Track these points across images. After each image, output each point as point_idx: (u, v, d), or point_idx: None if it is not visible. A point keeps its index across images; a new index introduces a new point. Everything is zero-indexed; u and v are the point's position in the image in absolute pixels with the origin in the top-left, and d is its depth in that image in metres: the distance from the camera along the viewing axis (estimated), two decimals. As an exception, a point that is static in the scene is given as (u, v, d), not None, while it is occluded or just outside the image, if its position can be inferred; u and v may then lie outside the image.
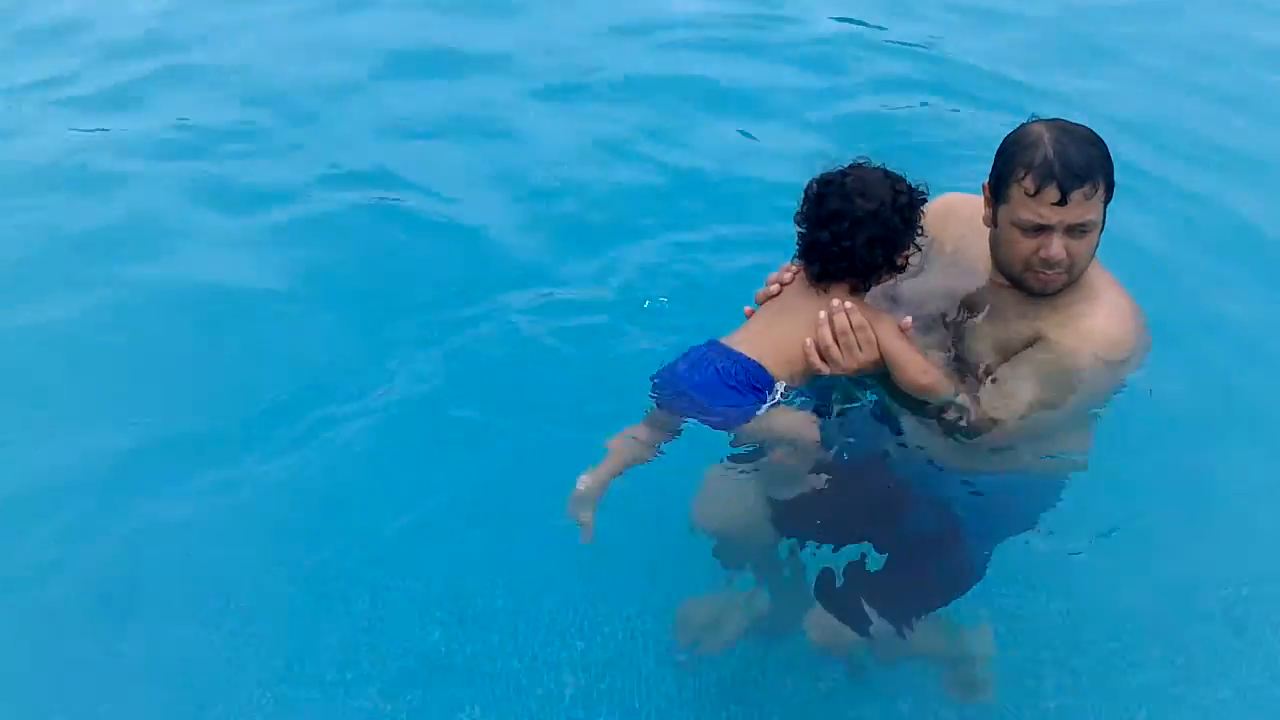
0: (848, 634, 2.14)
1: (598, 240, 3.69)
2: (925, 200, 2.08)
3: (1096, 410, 2.22)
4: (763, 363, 2.09)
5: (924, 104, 4.66)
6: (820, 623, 2.16)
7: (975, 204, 2.19)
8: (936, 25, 5.40)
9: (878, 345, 2.06)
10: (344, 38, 5.29)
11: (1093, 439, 2.26)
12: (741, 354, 2.10)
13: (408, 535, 2.63)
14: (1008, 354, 2.13)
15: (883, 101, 4.69)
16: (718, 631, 2.41)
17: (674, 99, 4.67)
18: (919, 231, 2.07)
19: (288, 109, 4.67)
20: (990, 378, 2.13)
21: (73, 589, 2.54)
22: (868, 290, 2.11)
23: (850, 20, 5.44)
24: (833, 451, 2.23)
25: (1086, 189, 1.96)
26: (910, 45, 5.19)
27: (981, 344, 2.16)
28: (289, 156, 4.32)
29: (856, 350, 2.06)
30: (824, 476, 2.24)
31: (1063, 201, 1.96)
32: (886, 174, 2.04)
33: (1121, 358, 2.09)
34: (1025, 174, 1.98)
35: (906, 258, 2.08)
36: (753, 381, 2.08)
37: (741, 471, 2.24)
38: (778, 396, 2.09)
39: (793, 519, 2.31)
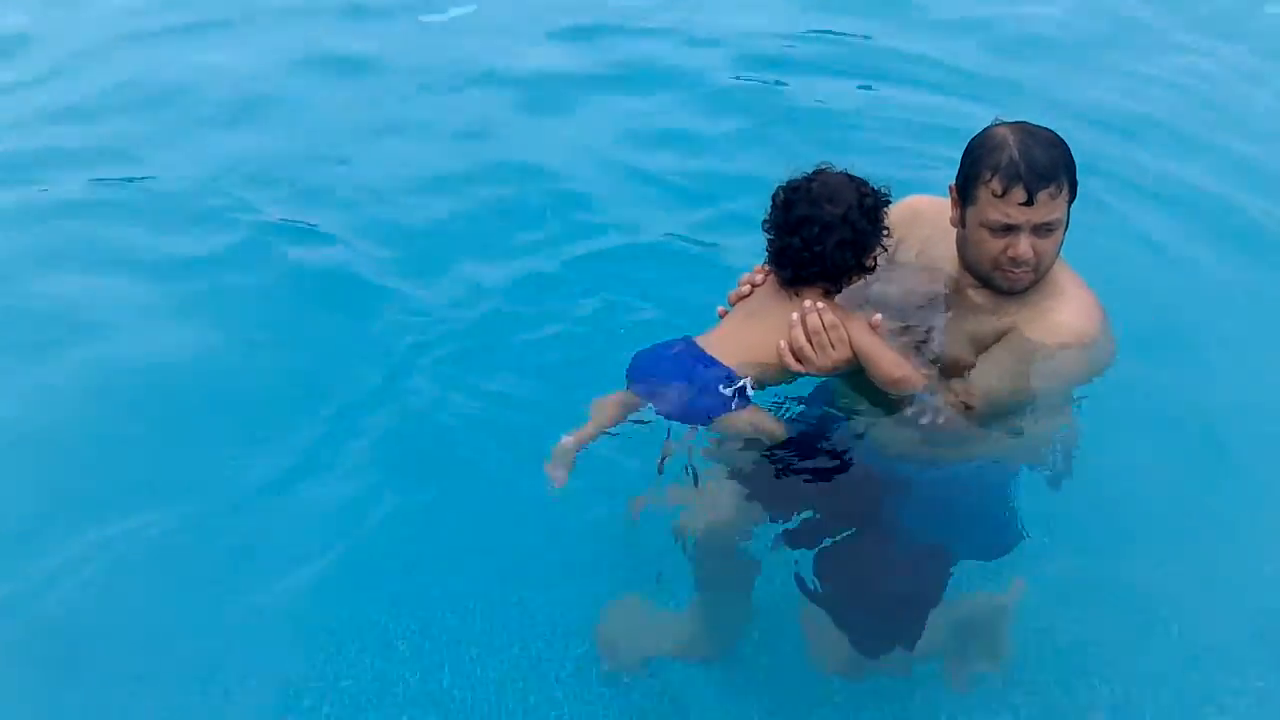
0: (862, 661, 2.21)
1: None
2: (889, 202, 2.13)
3: (1062, 402, 2.26)
4: (733, 367, 2.14)
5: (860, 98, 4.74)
6: (834, 655, 2.24)
7: (940, 205, 2.25)
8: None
9: (850, 343, 2.11)
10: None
11: (1064, 429, 2.32)
12: (712, 358, 2.14)
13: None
14: (981, 348, 2.19)
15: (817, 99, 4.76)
16: (637, 644, 2.41)
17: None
18: (885, 232, 2.12)
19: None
20: (966, 369, 2.18)
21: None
22: (839, 292, 2.16)
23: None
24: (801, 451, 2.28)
25: (1052, 189, 2.02)
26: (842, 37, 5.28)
27: (954, 340, 2.22)
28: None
29: (829, 349, 2.11)
30: (798, 475, 2.28)
31: (1029, 202, 2.02)
32: (850, 178, 2.10)
33: (1089, 349, 2.15)
34: (992, 176, 2.04)
35: (875, 259, 2.13)
36: (720, 385, 2.12)
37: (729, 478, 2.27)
38: (744, 396, 2.14)
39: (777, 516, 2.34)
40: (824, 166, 2.12)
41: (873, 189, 2.10)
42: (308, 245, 3.78)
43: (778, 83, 4.92)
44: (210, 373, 3.20)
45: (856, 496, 2.32)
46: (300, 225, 3.89)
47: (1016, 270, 2.10)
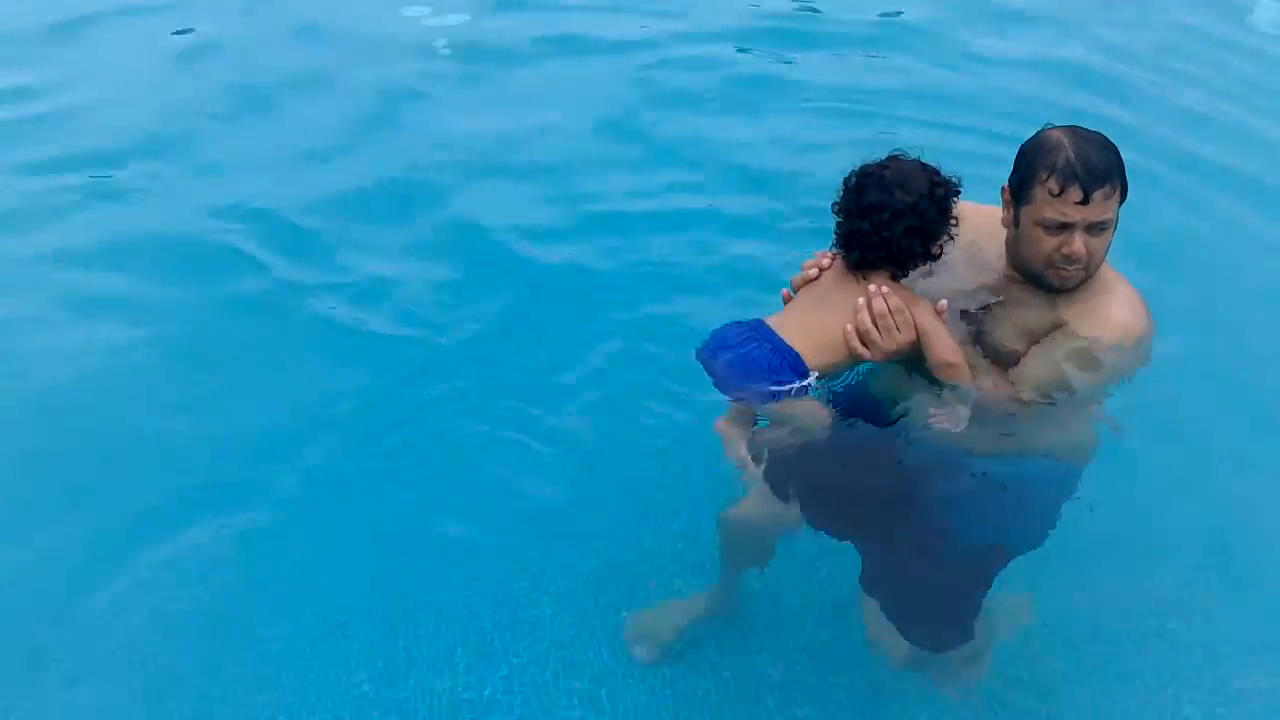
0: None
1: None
2: (959, 193, 2.19)
3: (1105, 395, 2.34)
4: (802, 353, 2.18)
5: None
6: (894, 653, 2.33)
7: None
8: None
9: (914, 326, 2.16)
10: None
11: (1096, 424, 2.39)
12: (783, 341, 2.19)
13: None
14: (1033, 340, 2.25)
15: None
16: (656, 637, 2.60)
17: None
18: (953, 223, 2.18)
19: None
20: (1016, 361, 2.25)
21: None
22: (905, 277, 2.21)
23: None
24: (849, 442, 2.34)
25: (1106, 189, 2.11)
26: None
27: (1005, 333, 2.28)
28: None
29: (895, 332, 2.16)
30: (845, 465, 2.36)
31: (1085, 201, 2.10)
32: (924, 167, 2.16)
33: (1138, 342, 2.22)
34: (1049, 175, 2.11)
35: (941, 246, 2.19)
36: (789, 369, 2.17)
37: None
38: (808, 385, 2.18)
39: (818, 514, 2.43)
40: (898, 154, 2.17)
41: (944, 179, 2.16)
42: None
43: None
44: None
45: (900, 491, 2.38)
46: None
47: (1069, 268, 2.18)
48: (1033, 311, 2.27)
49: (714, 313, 3.23)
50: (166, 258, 3.74)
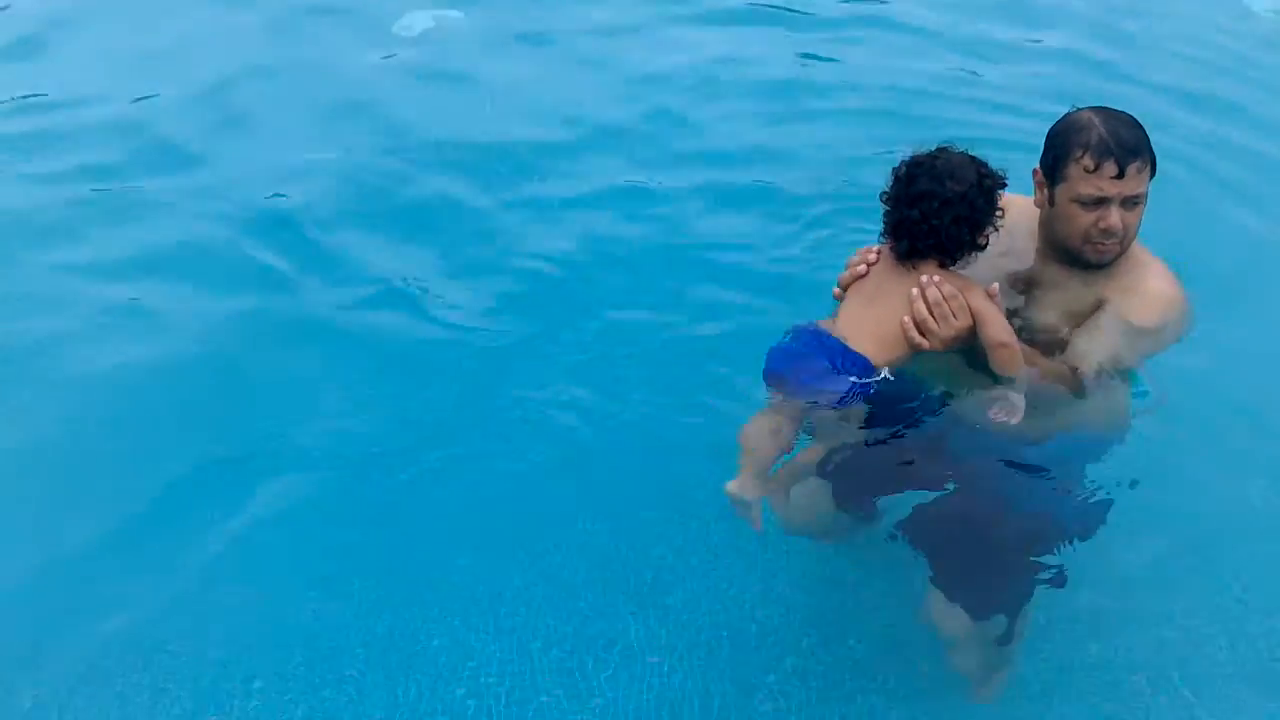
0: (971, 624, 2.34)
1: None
2: (1005, 185, 2.25)
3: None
4: (866, 353, 2.22)
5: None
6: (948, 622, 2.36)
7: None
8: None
9: (969, 311, 2.20)
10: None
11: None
12: (847, 346, 2.23)
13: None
14: (1075, 321, 2.31)
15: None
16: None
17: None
18: (1000, 213, 2.24)
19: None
20: (1060, 343, 2.31)
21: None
22: (954, 265, 2.27)
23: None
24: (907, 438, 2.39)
25: (1139, 163, 2.18)
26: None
27: (1046, 316, 2.34)
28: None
29: (951, 319, 2.19)
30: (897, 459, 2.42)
31: (1120, 175, 2.17)
32: (972, 159, 2.21)
33: (1180, 314, 2.30)
34: (1084, 153, 2.18)
35: (987, 236, 2.25)
36: (859, 372, 2.22)
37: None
38: (879, 382, 2.23)
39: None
40: (947, 145, 2.23)
41: (991, 170, 2.22)
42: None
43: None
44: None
45: (951, 469, 2.44)
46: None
47: (1106, 242, 2.24)
48: (1071, 292, 2.33)
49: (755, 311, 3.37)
50: (184, 267, 3.76)
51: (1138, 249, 2.33)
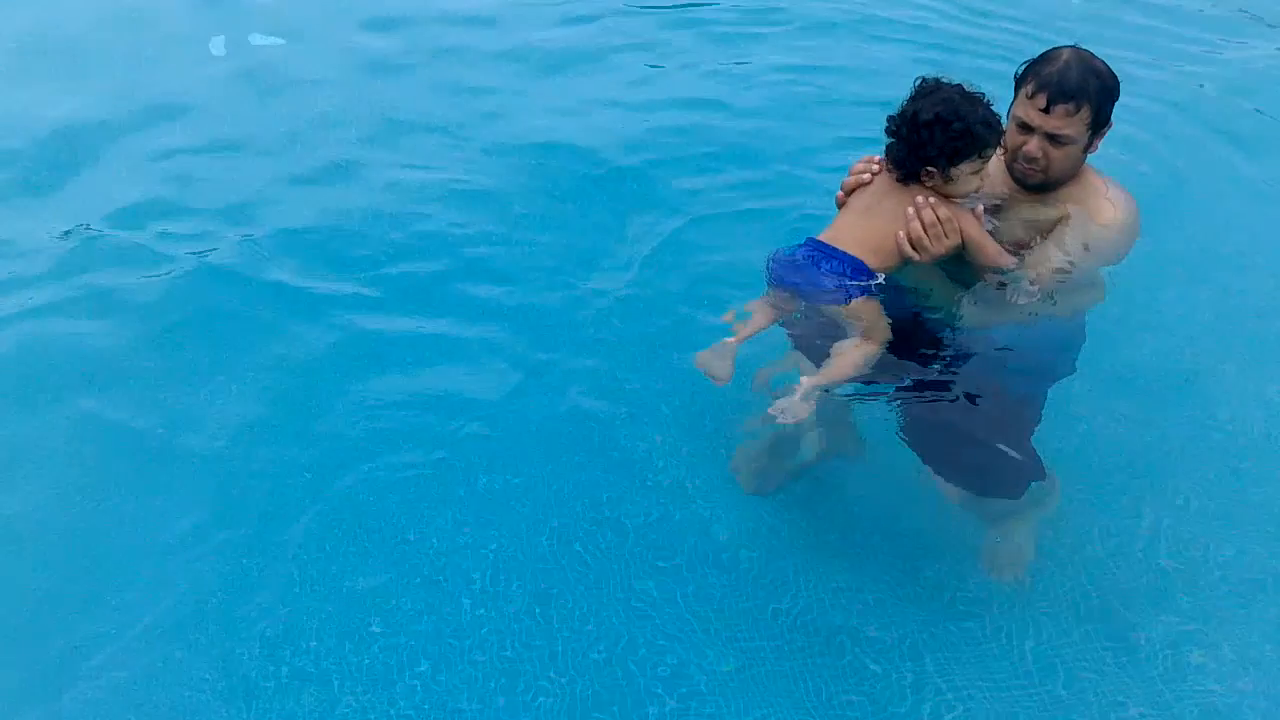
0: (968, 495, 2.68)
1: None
2: (999, 117, 2.50)
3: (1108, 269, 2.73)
4: (863, 258, 2.53)
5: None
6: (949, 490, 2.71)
7: None
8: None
9: (960, 232, 2.50)
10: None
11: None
12: (845, 252, 2.54)
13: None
14: (1038, 232, 2.62)
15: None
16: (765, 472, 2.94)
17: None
18: (994, 142, 2.49)
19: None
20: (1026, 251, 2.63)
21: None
22: (949, 181, 2.51)
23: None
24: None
25: (1070, 107, 2.43)
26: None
27: (1013, 228, 2.65)
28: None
29: (943, 239, 2.48)
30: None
31: (1046, 110, 2.44)
32: (967, 93, 2.47)
33: (1130, 225, 2.62)
34: (1031, 80, 2.48)
35: (981, 164, 2.51)
36: (857, 274, 2.53)
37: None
38: (874, 286, 2.54)
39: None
40: (944, 79, 2.51)
41: (986, 104, 2.48)
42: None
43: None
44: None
45: (947, 369, 2.74)
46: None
47: (1026, 165, 2.52)
48: (1035, 209, 2.64)
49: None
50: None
51: (1097, 177, 2.63)
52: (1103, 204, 2.60)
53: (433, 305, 3.64)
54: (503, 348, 3.44)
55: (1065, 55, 2.49)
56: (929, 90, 2.51)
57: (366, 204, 4.13)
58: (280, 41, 5.38)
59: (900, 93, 2.57)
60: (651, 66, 5.23)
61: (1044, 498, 2.82)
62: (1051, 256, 2.60)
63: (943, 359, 2.75)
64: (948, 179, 2.51)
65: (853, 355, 2.52)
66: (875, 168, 2.62)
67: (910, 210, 2.50)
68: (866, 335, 2.55)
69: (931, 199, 2.50)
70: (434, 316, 3.58)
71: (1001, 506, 2.77)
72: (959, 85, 2.51)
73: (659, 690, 2.52)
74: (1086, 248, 2.60)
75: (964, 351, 2.75)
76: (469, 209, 4.11)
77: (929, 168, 2.51)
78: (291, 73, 5.08)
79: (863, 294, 2.54)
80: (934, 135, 2.45)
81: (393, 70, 5.16)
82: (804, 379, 2.49)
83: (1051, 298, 2.61)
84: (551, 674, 2.56)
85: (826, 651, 2.61)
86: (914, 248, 2.50)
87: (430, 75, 5.12)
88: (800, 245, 2.62)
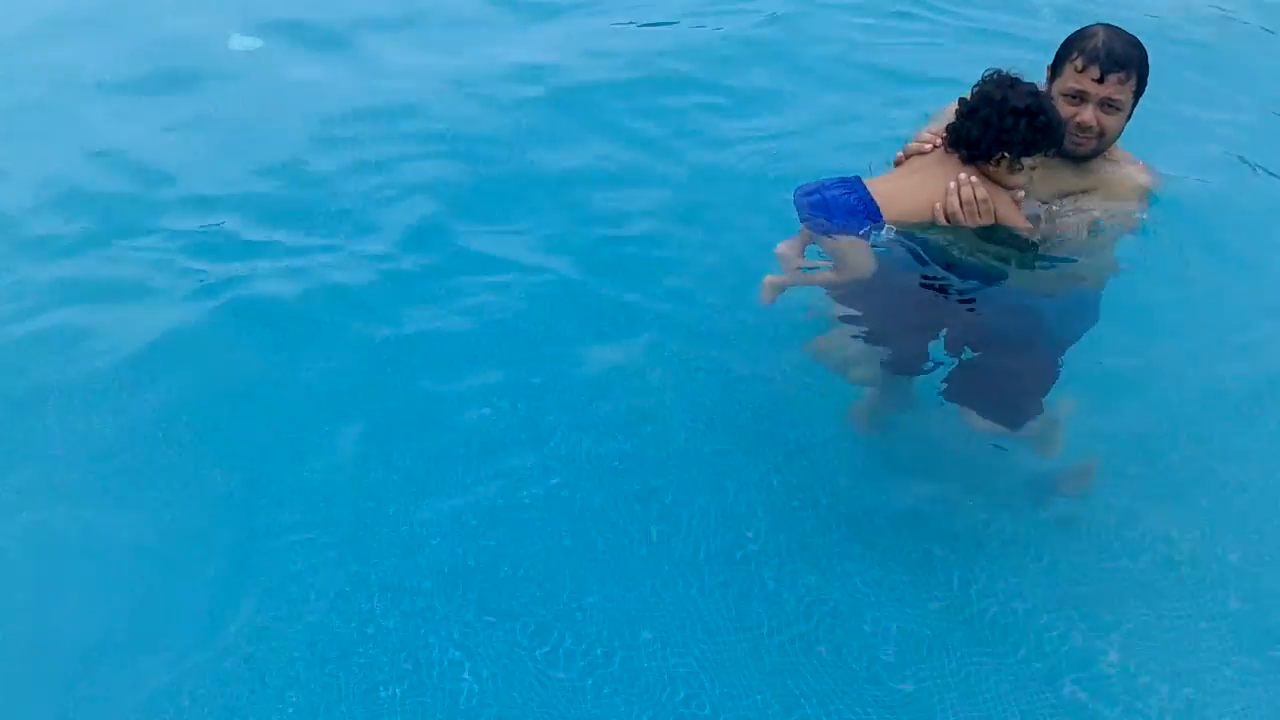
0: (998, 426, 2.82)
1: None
2: (1057, 117, 2.66)
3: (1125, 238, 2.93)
4: (882, 207, 2.74)
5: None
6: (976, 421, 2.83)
7: None
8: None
9: (995, 214, 2.69)
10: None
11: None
12: (870, 195, 2.76)
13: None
14: (1070, 198, 2.84)
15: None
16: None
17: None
18: (1051, 141, 2.66)
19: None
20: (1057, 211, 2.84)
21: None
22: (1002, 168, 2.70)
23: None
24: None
25: (1121, 75, 2.66)
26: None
27: (1046, 191, 2.85)
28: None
29: (977, 217, 2.68)
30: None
31: (1100, 79, 2.67)
32: (1021, 87, 2.66)
33: (1148, 200, 2.84)
34: (1078, 55, 2.68)
35: (1034, 161, 2.69)
36: (863, 215, 2.75)
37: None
38: (880, 234, 2.75)
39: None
40: (1019, 74, 2.69)
41: (1046, 104, 2.66)
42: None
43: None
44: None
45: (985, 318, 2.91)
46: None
47: (1081, 135, 2.72)
48: (1067, 179, 2.85)
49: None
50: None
51: (1123, 153, 2.86)
52: (1132, 173, 2.85)
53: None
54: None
55: (1099, 30, 2.70)
56: (1011, 81, 2.69)
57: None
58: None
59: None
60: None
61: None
62: (1076, 220, 2.81)
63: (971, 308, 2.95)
64: (1014, 167, 2.69)
65: (823, 274, 2.87)
66: (938, 141, 2.81)
67: (951, 185, 2.69)
68: (838, 268, 2.83)
69: (974, 179, 2.69)
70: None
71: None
72: (1034, 83, 2.69)
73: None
74: (1111, 217, 2.83)
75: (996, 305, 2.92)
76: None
77: (1003, 153, 2.67)
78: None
79: (860, 234, 2.76)
80: (1018, 124, 2.63)
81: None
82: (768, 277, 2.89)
83: (1078, 260, 2.84)
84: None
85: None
86: (947, 218, 2.70)
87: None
88: (847, 178, 2.85)
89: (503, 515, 2.85)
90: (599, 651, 2.54)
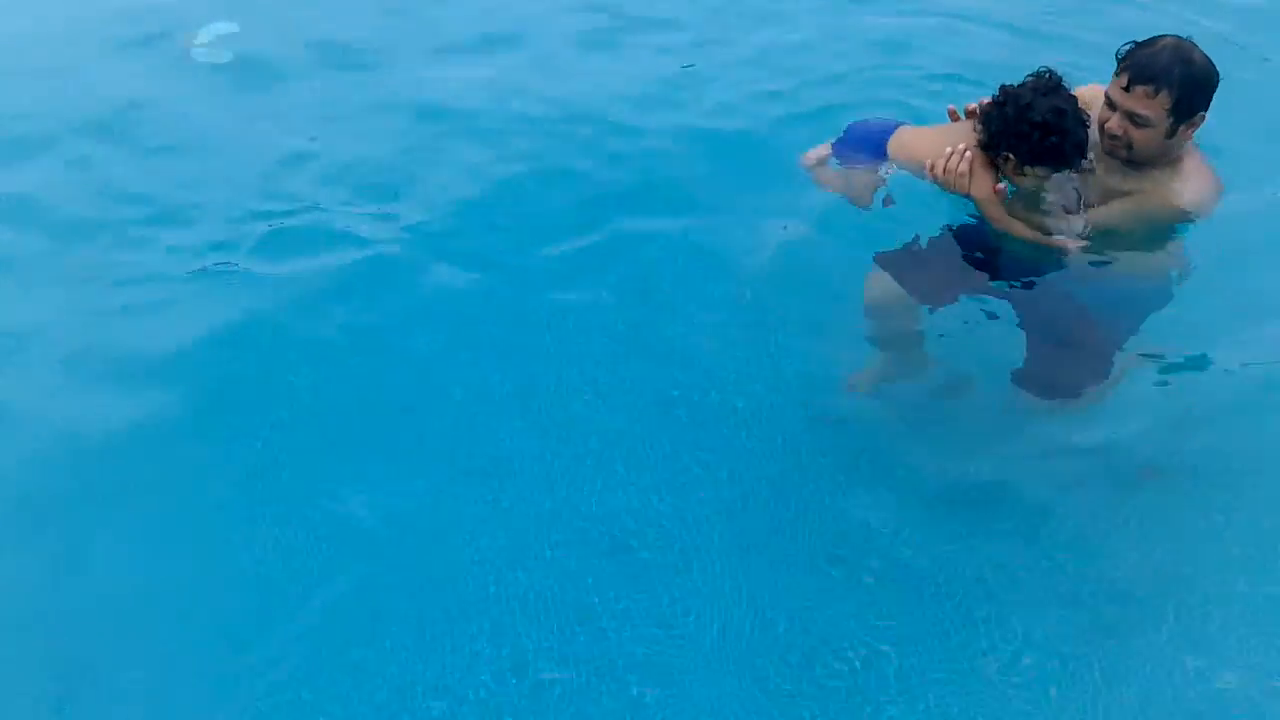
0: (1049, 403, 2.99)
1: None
2: (1087, 129, 2.77)
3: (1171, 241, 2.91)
4: (890, 148, 3.04)
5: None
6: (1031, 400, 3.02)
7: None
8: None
9: (966, 189, 2.85)
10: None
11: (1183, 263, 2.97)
12: (886, 137, 3.05)
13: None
14: (1109, 200, 2.87)
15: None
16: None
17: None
18: (1077, 156, 2.79)
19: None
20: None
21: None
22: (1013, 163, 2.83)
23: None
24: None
25: (1149, 89, 2.60)
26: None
27: (1092, 190, 2.93)
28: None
29: (951, 184, 2.86)
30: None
31: (1127, 88, 2.64)
32: (1079, 109, 2.74)
33: (1192, 211, 2.79)
34: (1124, 60, 2.67)
35: (1057, 168, 2.82)
36: (870, 150, 3.08)
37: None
38: (881, 170, 3.07)
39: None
40: (1065, 81, 2.79)
41: (1086, 127, 2.75)
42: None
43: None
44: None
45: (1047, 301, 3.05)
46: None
47: (1110, 141, 2.73)
48: (1115, 179, 2.85)
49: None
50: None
51: (1191, 163, 2.76)
52: (1174, 187, 2.76)
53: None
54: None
55: (1163, 41, 2.65)
56: (1051, 88, 2.76)
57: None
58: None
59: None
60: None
61: None
62: (1097, 215, 2.87)
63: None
64: (1020, 169, 2.82)
65: (833, 180, 3.24)
66: (977, 111, 2.92)
67: (948, 149, 2.87)
68: (843, 183, 3.19)
69: (969, 152, 2.85)
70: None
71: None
72: (1074, 96, 2.75)
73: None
74: (1132, 217, 2.85)
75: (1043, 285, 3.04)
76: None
77: (1009, 154, 2.81)
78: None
79: (859, 166, 3.11)
80: (1032, 135, 2.73)
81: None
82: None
83: (1103, 251, 2.91)
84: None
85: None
86: (932, 175, 2.89)
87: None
88: (887, 121, 3.18)
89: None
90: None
